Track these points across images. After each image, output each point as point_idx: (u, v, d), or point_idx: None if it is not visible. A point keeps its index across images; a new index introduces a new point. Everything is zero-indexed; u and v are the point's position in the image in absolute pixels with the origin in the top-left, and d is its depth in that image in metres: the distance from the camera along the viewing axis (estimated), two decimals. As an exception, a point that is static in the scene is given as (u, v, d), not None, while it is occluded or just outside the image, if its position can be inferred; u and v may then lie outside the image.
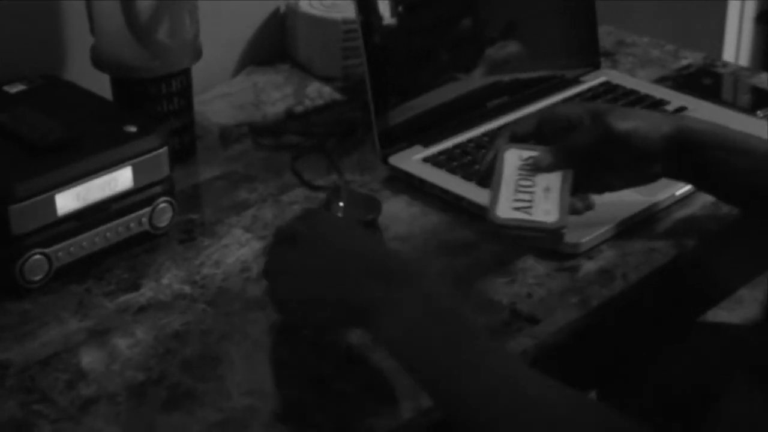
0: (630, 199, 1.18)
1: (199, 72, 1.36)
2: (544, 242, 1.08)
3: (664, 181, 1.19)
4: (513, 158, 1.11)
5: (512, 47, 1.42)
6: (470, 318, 0.91)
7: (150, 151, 1.15)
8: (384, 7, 1.29)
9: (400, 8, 1.30)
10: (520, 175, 1.10)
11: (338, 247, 0.97)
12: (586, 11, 1.49)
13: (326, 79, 1.52)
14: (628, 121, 1.11)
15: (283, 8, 1.59)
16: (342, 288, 0.94)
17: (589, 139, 1.11)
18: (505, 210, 1.07)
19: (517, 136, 1.14)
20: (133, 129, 1.15)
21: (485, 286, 1.10)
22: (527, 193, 1.08)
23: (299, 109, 1.45)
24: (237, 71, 1.56)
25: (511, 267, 1.13)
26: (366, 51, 1.28)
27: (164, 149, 1.16)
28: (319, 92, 1.48)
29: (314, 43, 1.55)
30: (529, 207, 1.06)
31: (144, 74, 1.29)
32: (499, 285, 1.10)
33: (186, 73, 1.32)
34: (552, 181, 1.09)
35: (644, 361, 1.18)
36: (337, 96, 1.49)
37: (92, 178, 1.10)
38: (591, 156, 1.11)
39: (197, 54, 1.32)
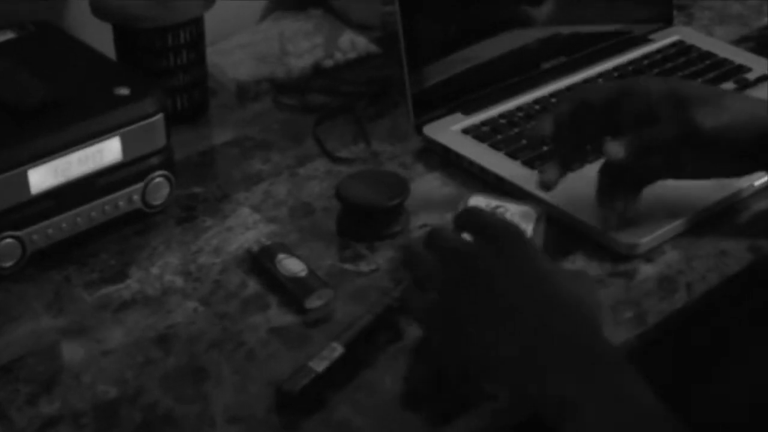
0: (699, 191, 1.01)
1: (217, 16, 1.20)
2: None
3: None
4: (478, 205, 0.95)
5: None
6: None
7: (142, 118, 0.99)
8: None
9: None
10: None
11: (540, 309, 0.74)
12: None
13: (363, 28, 1.35)
14: (719, 117, 0.92)
15: (318, -55, 1.42)
16: (531, 371, 0.73)
17: (671, 135, 0.93)
18: None
19: (589, 103, 0.97)
20: (125, 92, 1.00)
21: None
22: None
23: (328, 63, 1.28)
24: (263, 17, 1.39)
25: (567, 262, 0.97)
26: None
27: (160, 116, 1.00)
28: (352, 44, 1.31)
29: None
30: None
31: (148, 24, 1.13)
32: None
33: (196, 22, 1.16)
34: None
35: (710, 382, 1.01)
36: (373, 48, 1.32)
37: (72, 151, 0.95)
38: (669, 151, 0.94)
39: (209, 0, 1.16)
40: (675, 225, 0.99)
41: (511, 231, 0.80)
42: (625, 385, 0.72)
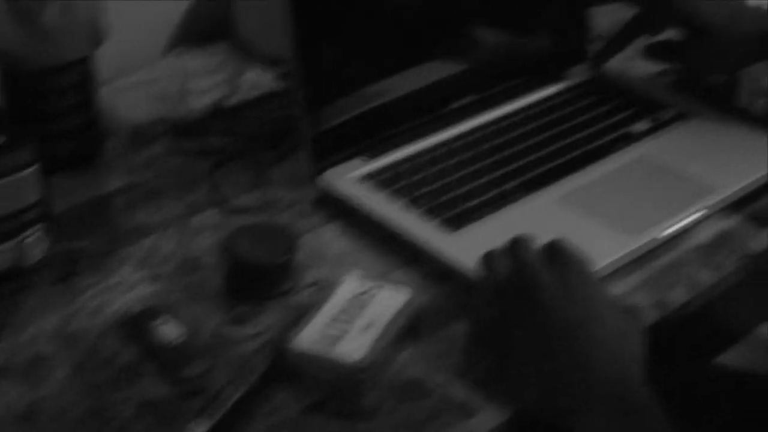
0: (604, 244, 0.97)
1: (116, 52, 1.15)
2: (339, 386, 0.85)
3: (646, 219, 0.99)
4: (348, 288, 0.91)
5: (482, 28, 1.19)
6: None
7: (13, 171, 0.93)
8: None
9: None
10: (345, 306, 0.90)
11: (583, 351, 0.79)
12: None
13: (271, 62, 1.30)
14: None
15: (224, -25, 1.36)
16: (562, 408, 0.79)
17: None
18: (305, 341, 0.86)
19: None
20: (-4, 143, 0.94)
21: (415, 357, 0.89)
22: (342, 325, 0.87)
23: (230, 102, 1.23)
24: (166, 52, 1.33)
25: (450, 330, 0.92)
26: (293, 28, 1.03)
27: (33, 168, 0.95)
28: (255, 81, 1.26)
29: (258, 19, 1.32)
30: (335, 342, 0.86)
31: (30, 65, 1.07)
32: (433, 356, 0.89)
33: (84, 62, 1.10)
34: (379, 318, 0.88)
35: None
36: (279, 85, 1.26)
37: (-66, 210, 0.90)
38: None
39: (99, 38, 1.10)
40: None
41: (581, 267, 0.83)
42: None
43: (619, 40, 1.23)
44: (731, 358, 1.16)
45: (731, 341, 1.12)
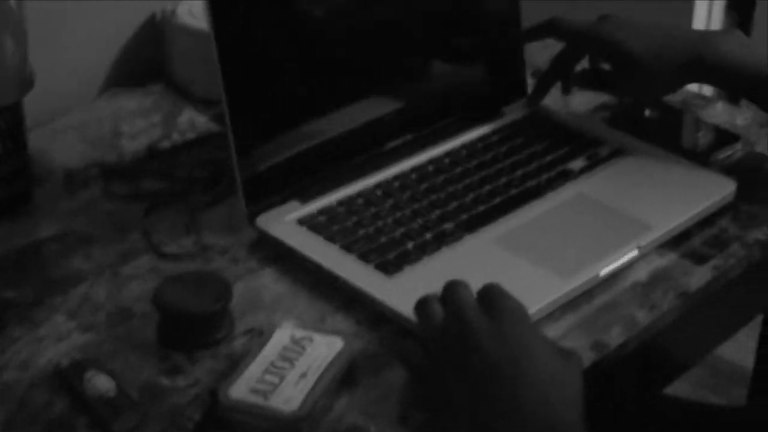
0: (544, 285, 0.96)
1: (48, 94, 1.13)
2: None
3: (583, 259, 0.99)
4: (282, 337, 0.91)
5: (417, 66, 1.18)
6: None
7: (-61, 224, 0.91)
8: (249, 9, 1.03)
9: (271, 8, 1.05)
10: (280, 355, 0.89)
11: (516, 400, 0.78)
12: (509, 23, 1.25)
13: (207, 103, 1.29)
14: None
15: (159, 15, 1.35)
16: None
17: None
18: (240, 391, 0.85)
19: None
20: None
21: (352, 404, 0.88)
22: (277, 375, 0.87)
23: (165, 144, 1.21)
24: (101, 92, 1.32)
25: (387, 375, 0.91)
26: (223, 68, 1.02)
27: (-41, 221, 0.93)
28: (191, 122, 1.24)
29: (193, 60, 1.31)
30: (271, 391, 0.85)
31: (-44, 113, 1.05)
32: (371, 402, 0.88)
33: (12, 108, 1.08)
34: (314, 366, 0.88)
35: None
36: (214, 127, 1.25)
37: None
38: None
39: (26, 83, 1.08)
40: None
41: (516, 312, 0.82)
42: None
43: (548, 77, 1.23)
44: (679, 389, 1.16)
45: (675, 374, 1.11)
